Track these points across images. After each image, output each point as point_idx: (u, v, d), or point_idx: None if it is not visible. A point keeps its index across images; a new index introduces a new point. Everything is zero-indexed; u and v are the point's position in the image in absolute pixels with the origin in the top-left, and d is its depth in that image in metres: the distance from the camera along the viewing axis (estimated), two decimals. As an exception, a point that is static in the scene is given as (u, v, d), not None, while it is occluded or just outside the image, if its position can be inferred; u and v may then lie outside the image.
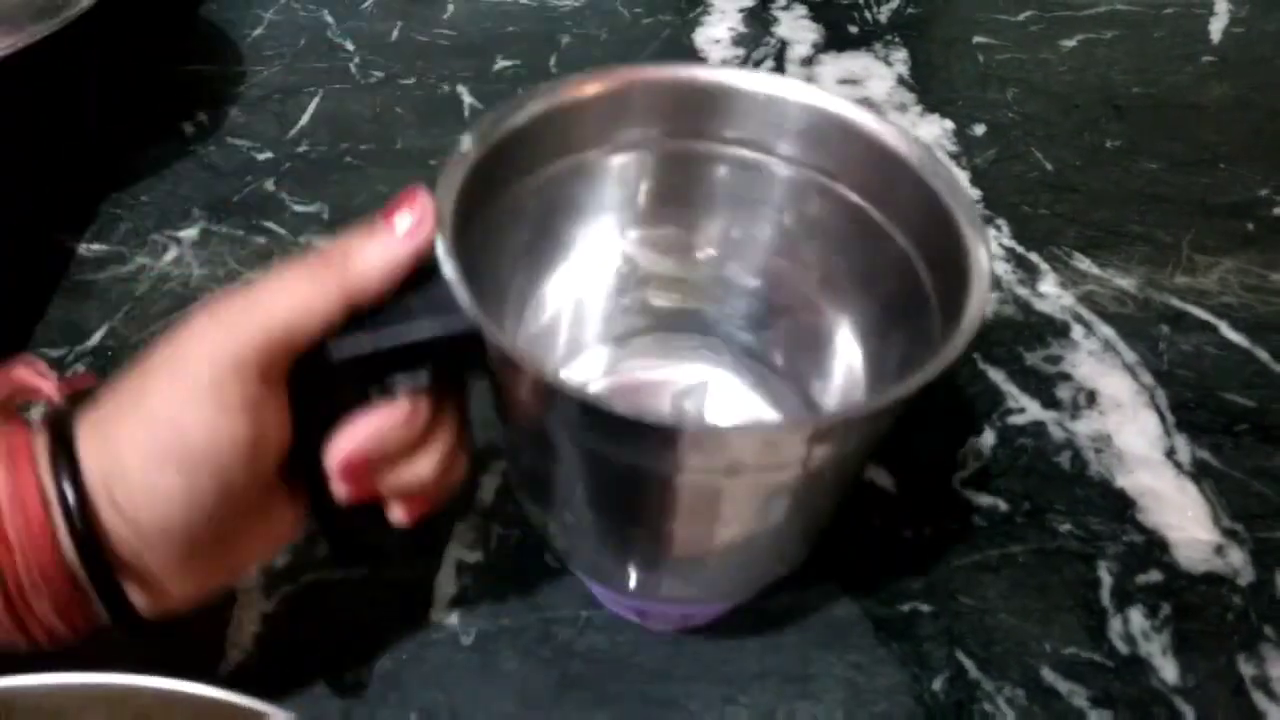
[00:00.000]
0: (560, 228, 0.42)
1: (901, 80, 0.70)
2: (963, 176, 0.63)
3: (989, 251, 0.33)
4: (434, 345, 0.30)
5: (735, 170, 0.41)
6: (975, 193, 0.62)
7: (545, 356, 0.45)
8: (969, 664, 0.41)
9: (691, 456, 0.29)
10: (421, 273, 0.31)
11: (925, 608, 0.43)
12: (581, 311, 0.45)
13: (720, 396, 0.46)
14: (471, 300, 0.29)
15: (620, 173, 0.41)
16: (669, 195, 0.42)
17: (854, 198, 0.38)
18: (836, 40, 0.73)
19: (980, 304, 0.31)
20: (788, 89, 0.38)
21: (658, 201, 0.42)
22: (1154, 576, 0.44)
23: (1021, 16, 0.75)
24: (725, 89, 0.39)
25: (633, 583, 0.37)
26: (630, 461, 0.30)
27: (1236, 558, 0.45)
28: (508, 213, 0.37)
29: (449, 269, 0.30)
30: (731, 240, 0.43)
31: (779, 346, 0.45)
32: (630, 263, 0.44)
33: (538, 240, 0.41)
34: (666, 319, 0.47)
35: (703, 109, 0.39)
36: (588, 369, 0.46)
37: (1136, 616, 0.43)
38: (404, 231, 0.30)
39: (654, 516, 0.33)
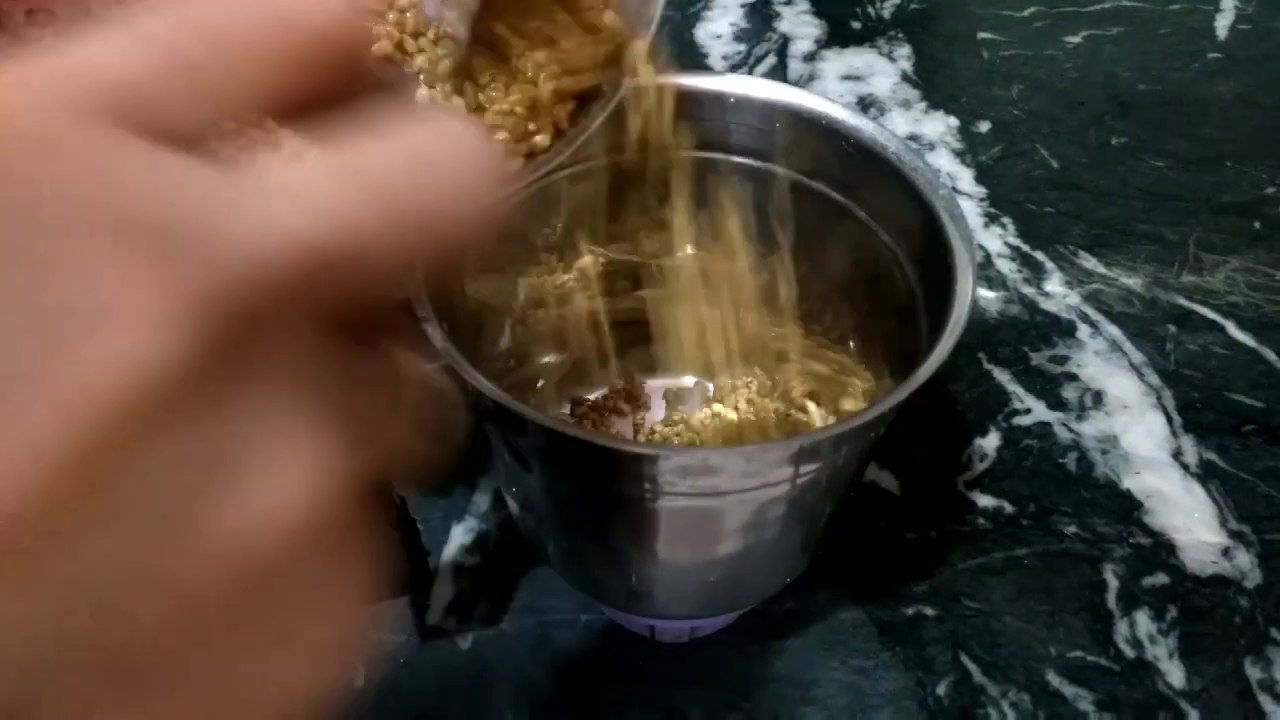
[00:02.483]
0: (527, 242, 0.41)
1: (905, 77, 0.69)
2: (967, 174, 0.62)
3: (971, 246, 0.32)
4: None
5: (708, 173, 0.40)
6: (980, 190, 0.61)
7: (531, 378, 0.44)
8: (973, 668, 0.41)
9: (676, 482, 0.29)
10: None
11: (929, 611, 0.42)
12: (561, 325, 0.44)
13: (716, 397, 0.46)
14: (447, 341, 0.29)
15: (586, 185, 0.40)
16: (641, 202, 0.41)
17: (835, 195, 0.38)
18: (839, 36, 0.73)
19: (964, 303, 0.31)
20: (760, 90, 0.38)
21: (631, 210, 0.42)
22: (1160, 579, 0.44)
23: (1026, 12, 0.75)
24: (695, 93, 0.38)
25: (635, 602, 0.37)
26: (619, 489, 0.30)
27: (1244, 560, 0.44)
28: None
29: (423, 307, 0.30)
30: (710, 237, 0.43)
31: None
32: (605, 270, 0.43)
33: (505, 257, 0.40)
34: (650, 322, 0.46)
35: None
36: (577, 386, 0.46)
37: (1143, 619, 0.42)
38: None
39: (648, 538, 0.32)
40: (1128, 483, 0.47)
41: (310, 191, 0.12)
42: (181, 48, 0.12)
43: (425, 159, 0.13)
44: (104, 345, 0.10)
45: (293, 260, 0.11)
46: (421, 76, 0.29)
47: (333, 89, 0.14)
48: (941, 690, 0.40)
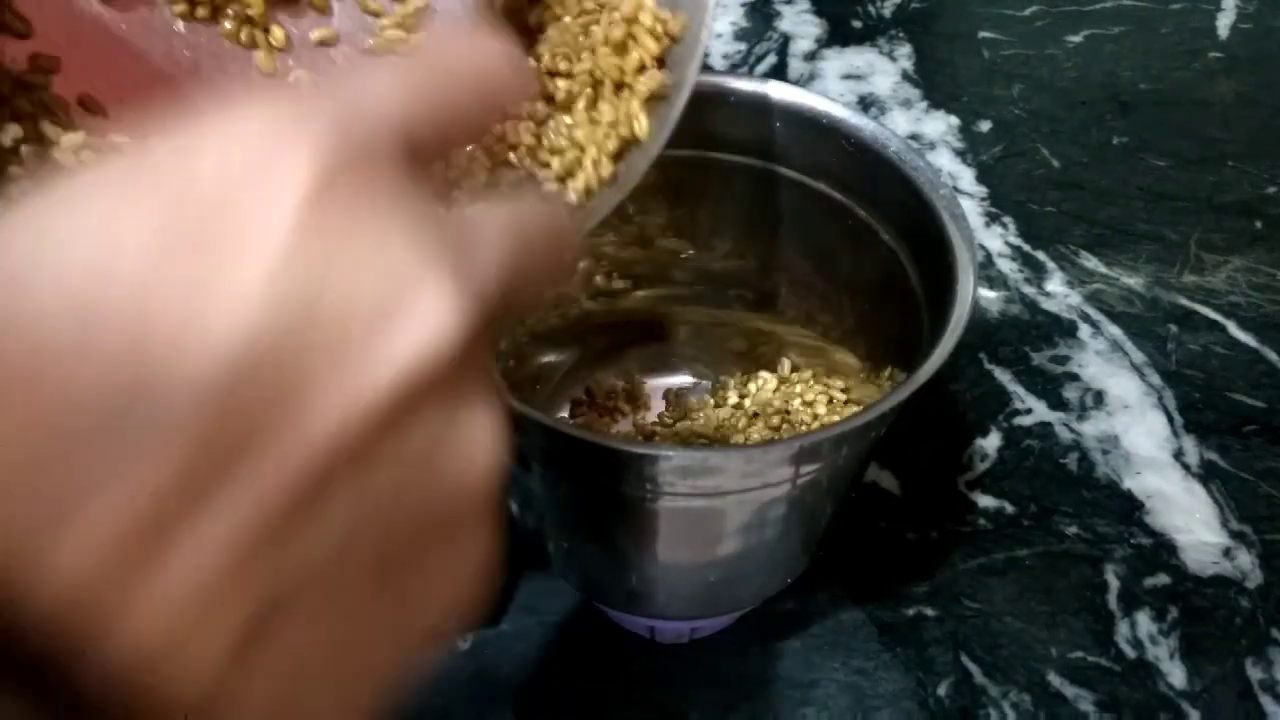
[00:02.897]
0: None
1: (906, 76, 0.69)
2: (968, 173, 0.62)
3: (973, 246, 0.32)
4: None
5: (708, 173, 0.40)
6: (981, 190, 0.61)
7: (531, 378, 0.44)
8: (974, 669, 0.41)
9: (676, 482, 0.29)
10: None
11: (930, 612, 0.42)
12: (561, 325, 0.44)
13: (715, 397, 0.46)
14: None
15: None
16: (641, 199, 0.41)
17: (836, 195, 0.38)
18: (840, 35, 0.73)
19: (965, 303, 0.30)
20: (760, 89, 0.38)
21: (630, 207, 0.41)
22: (1161, 579, 0.44)
23: (1027, 11, 0.75)
24: (695, 93, 0.38)
25: (635, 602, 0.37)
26: (619, 489, 0.30)
27: (1244, 560, 0.44)
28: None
29: None
30: (710, 237, 0.43)
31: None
32: (604, 270, 0.43)
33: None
34: (652, 322, 0.46)
35: None
36: (577, 386, 0.46)
37: (1143, 620, 0.42)
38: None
39: (648, 538, 0.32)
40: (1129, 483, 0.47)
41: (501, 240, 0.16)
42: (437, 93, 0.16)
43: (551, 220, 0.19)
44: (422, 322, 0.14)
45: (501, 285, 0.16)
46: None
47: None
48: (942, 691, 0.40)
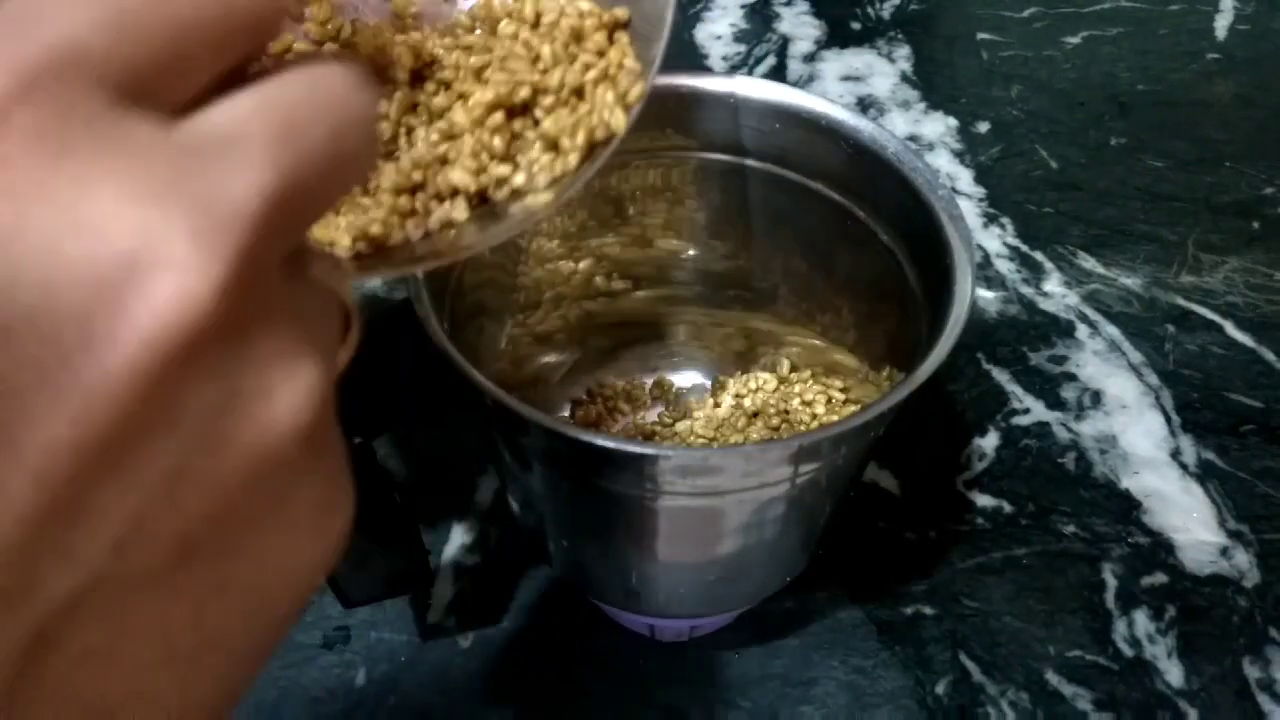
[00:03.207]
0: (528, 242, 0.41)
1: (905, 77, 0.69)
2: (966, 174, 0.62)
3: (971, 246, 0.32)
4: None
5: (708, 174, 0.40)
6: (979, 190, 0.61)
7: (531, 378, 0.44)
8: (972, 667, 0.41)
9: (675, 482, 0.29)
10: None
11: (928, 610, 0.42)
12: (561, 325, 0.44)
13: (715, 396, 0.46)
14: (447, 341, 0.29)
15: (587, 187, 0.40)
16: (641, 199, 0.41)
17: (835, 196, 0.38)
18: (839, 37, 0.73)
19: (963, 303, 0.31)
20: (760, 90, 0.38)
21: (631, 207, 0.42)
22: (1159, 579, 0.44)
23: (1026, 13, 0.75)
24: (695, 94, 0.38)
25: (635, 601, 0.37)
26: (619, 489, 0.30)
27: (1242, 559, 0.44)
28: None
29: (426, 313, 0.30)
30: (710, 237, 0.43)
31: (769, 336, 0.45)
32: (604, 270, 0.43)
33: (500, 258, 0.40)
34: (650, 322, 0.46)
35: (671, 116, 0.39)
36: (577, 386, 0.46)
37: (1141, 619, 0.42)
38: None
39: (648, 538, 0.33)
40: (1126, 482, 0.47)
41: (252, 137, 0.13)
42: (144, 18, 0.13)
43: (322, 90, 0.14)
44: (159, 288, 0.11)
45: (263, 202, 0.13)
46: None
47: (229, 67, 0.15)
48: (940, 689, 0.40)
